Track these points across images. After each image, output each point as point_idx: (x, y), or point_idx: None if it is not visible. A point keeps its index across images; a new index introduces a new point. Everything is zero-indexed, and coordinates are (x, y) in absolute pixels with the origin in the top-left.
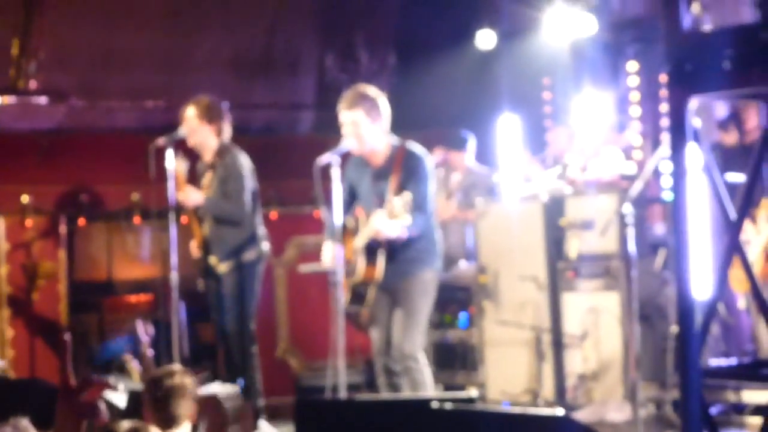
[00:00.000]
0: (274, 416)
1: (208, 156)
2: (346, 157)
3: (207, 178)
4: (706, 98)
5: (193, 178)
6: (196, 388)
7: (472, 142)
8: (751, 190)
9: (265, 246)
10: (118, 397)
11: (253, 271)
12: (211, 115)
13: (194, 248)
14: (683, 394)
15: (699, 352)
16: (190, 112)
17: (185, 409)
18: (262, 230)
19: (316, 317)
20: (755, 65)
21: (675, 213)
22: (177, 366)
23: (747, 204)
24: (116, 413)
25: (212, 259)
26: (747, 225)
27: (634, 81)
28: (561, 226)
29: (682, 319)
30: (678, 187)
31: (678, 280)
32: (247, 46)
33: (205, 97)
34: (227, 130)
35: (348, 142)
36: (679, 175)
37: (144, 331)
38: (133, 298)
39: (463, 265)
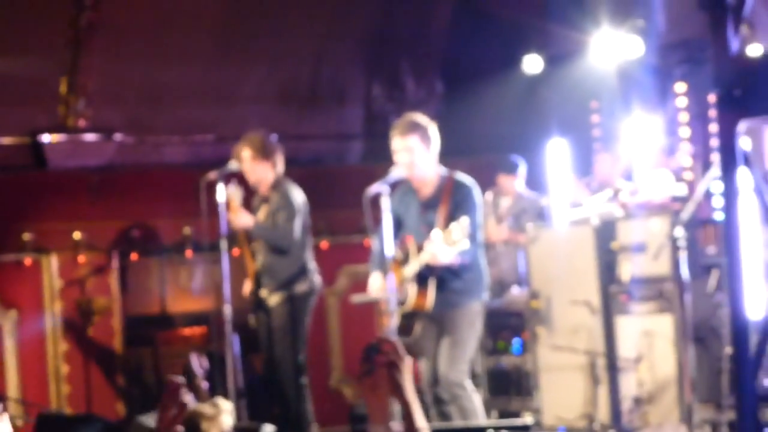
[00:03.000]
0: None
1: (263, 190)
2: (395, 186)
3: (262, 212)
4: (756, 122)
5: (249, 211)
6: (223, 424)
7: (522, 167)
8: None
9: (317, 279)
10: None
11: (305, 303)
12: (266, 152)
13: (246, 286)
14: (738, 417)
15: (754, 374)
16: (246, 154)
17: None
18: (312, 264)
19: None
20: None
21: (727, 234)
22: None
23: None
24: None
25: (263, 292)
26: None
27: (682, 102)
28: (613, 249)
29: (737, 341)
30: (729, 209)
31: (732, 301)
32: (293, 77)
33: (256, 135)
34: (281, 163)
35: (399, 170)
36: (730, 198)
37: (198, 364)
38: (188, 331)
39: (516, 291)
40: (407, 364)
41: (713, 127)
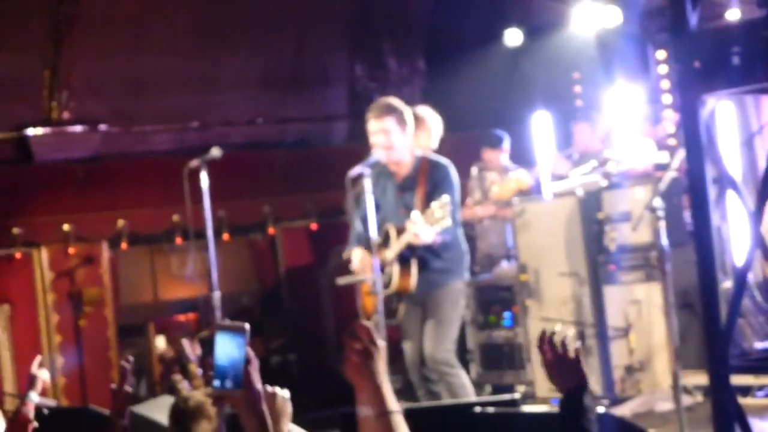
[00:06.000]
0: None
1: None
2: (373, 168)
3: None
4: (717, 96)
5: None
6: (220, 411)
7: (506, 141)
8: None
9: None
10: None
11: None
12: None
13: None
14: (711, 386)
15: (727, 343)
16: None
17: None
18: None
19: None
20: (762, 61)
21: (694, 208)
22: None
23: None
24: None
25: None
26: None
27: (664, 69)
28: (598, 219)
29: (707, 311)
30: (697, 192)
31: (700, 270)
32: (276, 60)
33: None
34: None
35: (378, 152)
36: (697, 178)
37: (191, 350)
38: (181, 318)
39: (505, 265)
40: (381, 350)
41: None
